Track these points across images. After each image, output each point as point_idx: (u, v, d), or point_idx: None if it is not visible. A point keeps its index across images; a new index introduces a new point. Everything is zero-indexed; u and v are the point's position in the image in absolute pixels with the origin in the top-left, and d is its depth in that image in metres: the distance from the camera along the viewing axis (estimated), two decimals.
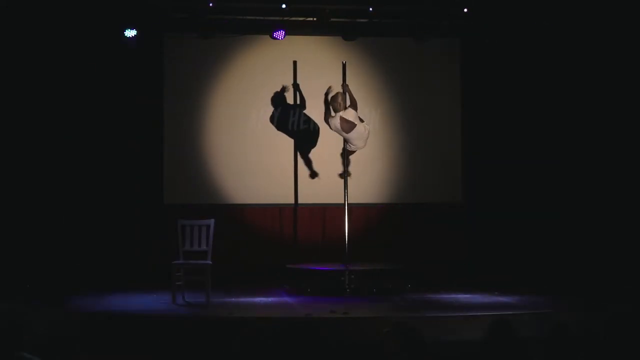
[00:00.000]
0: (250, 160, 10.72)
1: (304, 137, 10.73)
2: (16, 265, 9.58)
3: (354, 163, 9.98)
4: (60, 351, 6.22)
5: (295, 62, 10.62)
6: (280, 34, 10.17)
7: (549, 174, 10.70)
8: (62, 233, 10.04)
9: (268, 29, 10.42)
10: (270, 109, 10.76)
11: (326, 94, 9.76)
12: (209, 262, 8.55)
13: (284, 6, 10.02)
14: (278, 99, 10.72)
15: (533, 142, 10.78)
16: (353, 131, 9.07)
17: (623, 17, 10.15)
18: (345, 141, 9.35)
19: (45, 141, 10.13)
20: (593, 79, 10.53)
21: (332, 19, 10.36)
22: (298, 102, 10.70)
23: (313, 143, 10.68)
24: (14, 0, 9.75)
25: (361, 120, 9.22)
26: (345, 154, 9.69)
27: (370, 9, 10.21)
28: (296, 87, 10.65)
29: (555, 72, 10.72)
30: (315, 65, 10.72)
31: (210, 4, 9.94)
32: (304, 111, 10.72)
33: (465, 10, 10.27)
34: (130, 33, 9.96)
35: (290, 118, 10.75)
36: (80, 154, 10.26)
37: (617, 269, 9.94)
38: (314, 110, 10.67)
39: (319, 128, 10.59)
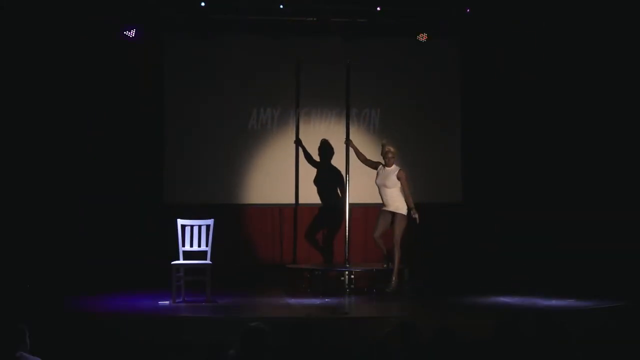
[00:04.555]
0: (250, 160, 10.72)
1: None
2: (16, 265, 9.57)
3: (354, 163, 9.97)
4: (60, 351, 6.20)
5: (296, 62, 10.63)
6: (132, 32, 10.08)
7: (549, 174, 10.70)
8: (62, 233, 10.03)
9: (269, 29, 10.44)
10: (270, 109, 10.76)
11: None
12: (209, 262, 8.55)
13: (281, 6, 10.06)
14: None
15: (533, 142, 10.78)
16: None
17: (623, 17, 10.16)
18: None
19: (46, 141, 10.12)
20: (592, 79, 10.53)
21: (332, 19, 10.37)
22: (299, 102, 10.73)
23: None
24: (14, 0, 9.77)
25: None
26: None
27: (378, 8, 10.21)
28: (297, 87, 10.68)
29: (554, 72, 10.71)
30: (315, 66, 10.71)
31: (209, 4, 9.96)
32: (305, 111, 10.76)
33: (465, 10, 10.29)
34: (130, 33, 9.96)
35: (290, 118, 10.75)
36: (80, 154, 10.26)
37: (616, 268, 9.95)
38: (313, 110, 10.68)
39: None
